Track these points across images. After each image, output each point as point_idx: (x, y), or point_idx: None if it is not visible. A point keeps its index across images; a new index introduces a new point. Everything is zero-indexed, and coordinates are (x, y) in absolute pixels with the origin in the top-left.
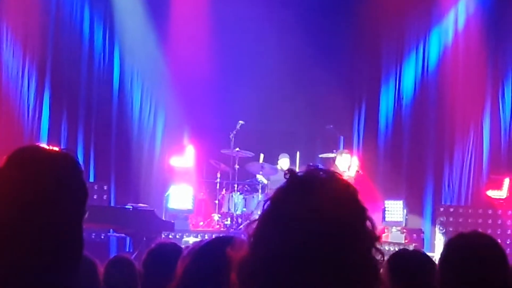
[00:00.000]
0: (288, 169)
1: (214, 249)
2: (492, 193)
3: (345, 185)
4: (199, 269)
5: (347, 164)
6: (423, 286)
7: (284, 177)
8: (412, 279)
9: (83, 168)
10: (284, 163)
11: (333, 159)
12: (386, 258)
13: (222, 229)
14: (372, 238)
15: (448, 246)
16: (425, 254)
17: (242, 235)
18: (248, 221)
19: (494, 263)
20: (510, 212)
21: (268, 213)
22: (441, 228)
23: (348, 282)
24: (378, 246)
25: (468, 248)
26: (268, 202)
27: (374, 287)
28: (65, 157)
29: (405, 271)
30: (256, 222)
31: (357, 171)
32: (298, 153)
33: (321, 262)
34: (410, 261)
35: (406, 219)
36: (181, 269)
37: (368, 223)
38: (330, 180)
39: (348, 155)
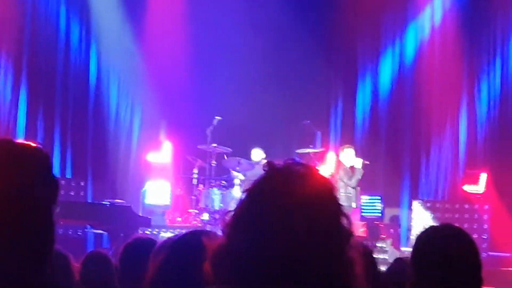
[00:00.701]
0: (267, 162)
1: (189, 242)
2: (468, 188)
3: (323, 179)
4: (173, 262)
5: (351, 159)
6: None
7: (263, 170)
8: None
9: (54, 163)
10: (256, 155)
11: (310, 154)
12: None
13: (199, 224)
14: (347, 234)
15: (419, 240)
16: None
17: (218, 228)
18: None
19: (466, 256)
20: (486, 206)
21: (244, 205)
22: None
23: (323, 276)
24: (353, 242)
25: (440, 241)
26: (245, 194)
27: (349, 282)
28: (36, 151)
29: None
30: (232, 213)
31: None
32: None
33: (296, 255)
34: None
35: (383, 214)
36: (156, 263)
37: (344, 218)
38: (307, 174)
39: (351, 149)
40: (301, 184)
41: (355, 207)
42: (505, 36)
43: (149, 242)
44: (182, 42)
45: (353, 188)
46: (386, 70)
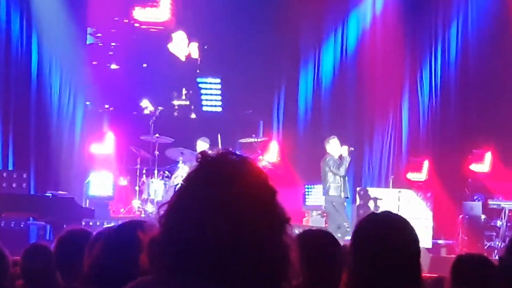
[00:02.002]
0: (200, 152)
1: (124, 233)
2: (411, 176)
3: (256, 168)
4: (109, 252)
5: (338, 149)
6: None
7: (196, 160)
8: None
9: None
10: (201, 146)
11: (253, 143)
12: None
13: (142, 215)
14: (283, 220)
15: (359, 227)
16: (330, 233)
17: (154, 219)
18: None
19: (405, 243)
20: (429, 194)
21: (178, 195)
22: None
23: (259, 262)
24: (289, 228)
25: (379, 228)
26: (180, 184)
27: (284, 268)
28: None
29: (312, 249)
30: (167, 204)
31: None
32: (219, 136)
33: (232, 243)
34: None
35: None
36: (92, 254)
37: (278, 205)
38: (241, 162)
39: (335, 139)
40: (234, 173)
41: (346, 197)
42: (446, 24)
43: (83, 234)
44: (125, 32)
45: (342, 177)
46: (328, 59)
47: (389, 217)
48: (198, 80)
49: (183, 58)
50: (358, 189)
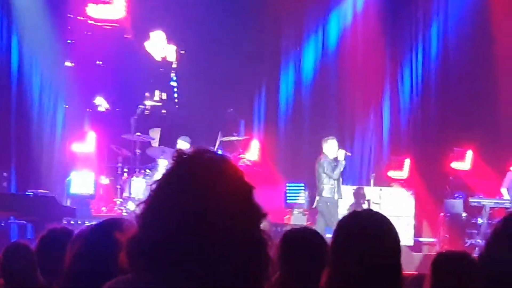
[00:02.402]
0: (176, 151)
1: (104, 231)
2: (393, 174)
3: (231, 165)
4: (89, 251)
5: (335, 150)
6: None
7: (172, 159)
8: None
9: None
10: (182, 145)
11: (234, 142)
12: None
13: (124, 213)
14: (259, 216)
15: (340, 225)
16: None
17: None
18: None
19: (385, 241)
20: (410, 192)
21: (155, 194)
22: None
23: (236, 259)
24: (264, 224)
25: (359, 226)
26: (156, 183)
27: (262, 264)
28: None
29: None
30: (145, 202)
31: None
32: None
33: (209, 240)
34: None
35: (307, 201)
36: (72, 252)
37: (254, 202)
38: (216, 160)
39: (334, 141)
40: (210, 171)
41: (340, 198)
42: (427, 23)
43: (65, 233)
44: (105, 31)
45: (336, 179)
46: (309, 58)
47: (370, 215)
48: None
49: (158, 58)
50: (354, 188)
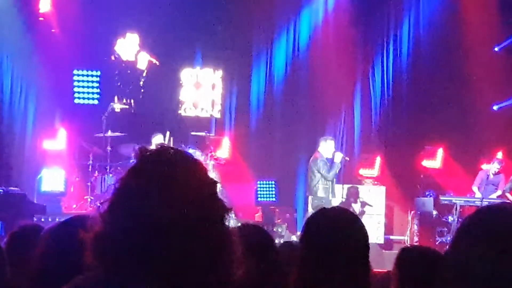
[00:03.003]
0: (138, 148)
1: (69, 229)
2: (364, 172)
3: (195, 162)
4: (55, 249)
5: (331, 151)
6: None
7: (135, 156)
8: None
9: None
10: (157, 142)
11: (205, 140)
12: None
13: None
14: (222, 211)
15: (308, 222)
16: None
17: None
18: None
19: (354, 238)
20: (381, 190)
21: (119, 191)
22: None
23: (200, 255)
24: (228, 218)
25: (328, 224)
26: (120, 180)
27: (226, 259)
28: None
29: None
30: (108, 199)
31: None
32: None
33: (173, 236)
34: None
35: (278, 199)
36: (39, 250)
37: (217, 197)
38: (180, 157)
39: (332, 141)
40: (173, 167)
41: (333, 197)
42: (398, 21)
43: (35, 230)
44: (75, 28)
45: (330, 180)
46: (281, 56)
47: (338, 213)
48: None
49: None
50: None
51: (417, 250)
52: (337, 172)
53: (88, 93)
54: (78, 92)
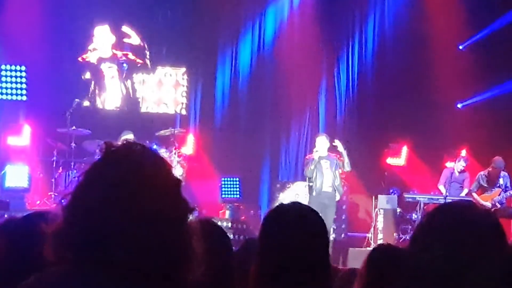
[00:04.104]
0: (104, 143)
1: (29, 223)
2: None
3: (159, 159)
4: (13, 244)
5: (326, 146)
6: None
7: (100, 151)
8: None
9: None
10: (125, 138)
11: (170, 136)
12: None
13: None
14: (186, 210)
15: (265, 219)
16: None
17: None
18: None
19: (313, 234)
20: (345, 187)
21: (81, 185)
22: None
23: (162, 252)
24: (191, 217)
25: (286, 218)
26: (83, 175)
27: (186, 256)
28: None
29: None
30: (70, 194)
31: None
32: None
33: (135, 233)
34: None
35: (243, 196)
36: None
37: (181, 195)
38: (144, 154)
39: (324, 137)
40: (137, 164)
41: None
42: (363, 19)
43: None
44: (41, 23)
45: (308, 177)
46: (246, 53)
47: (297, 208)
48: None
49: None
50: (275, 182)
51: (386, 249)
52: (314, 167)
53: (14, 88)
54: (6, 88)
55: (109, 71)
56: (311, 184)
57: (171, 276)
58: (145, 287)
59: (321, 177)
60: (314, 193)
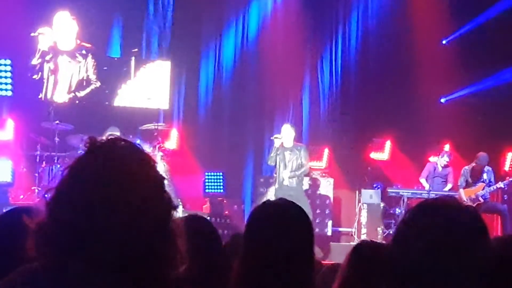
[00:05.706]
0: (88, 138)
1: (11, 218)
2: (312, 164)
3: (144, 155)
4: None
5: (291, 136)
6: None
7: (84, 145)
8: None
9: None
10: (111, 133)
11: (153, 131)
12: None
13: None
14: (169, 207)
15: (251, 214)
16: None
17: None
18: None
19: (298, 229)
20: (329, 182)
21: (65, 180)
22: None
23: (146, 249)
24: (175, 214)
25: (271, 214)
26: (67, 169)
27: (169, 253)
28: None
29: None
30: (55, 189)
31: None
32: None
33: (119, 229)
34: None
35: (226, 191)
36: None
37: (165, 192)
38: (129, 149)
39: (289, 126)
40: (122, 159)
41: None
42: (347, 13)
43: None
44: (25, 16)
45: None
46: (229, 48)
47: (282, 204)
48: None
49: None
50: (259, 177)
51: (369, 245)
52: (274, 155)
53: None
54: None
55: (67, 62)
56: (275, 175)
57: (154, 272)
58: (128, 283)
59: (284, 169)
60: (276, 185)
